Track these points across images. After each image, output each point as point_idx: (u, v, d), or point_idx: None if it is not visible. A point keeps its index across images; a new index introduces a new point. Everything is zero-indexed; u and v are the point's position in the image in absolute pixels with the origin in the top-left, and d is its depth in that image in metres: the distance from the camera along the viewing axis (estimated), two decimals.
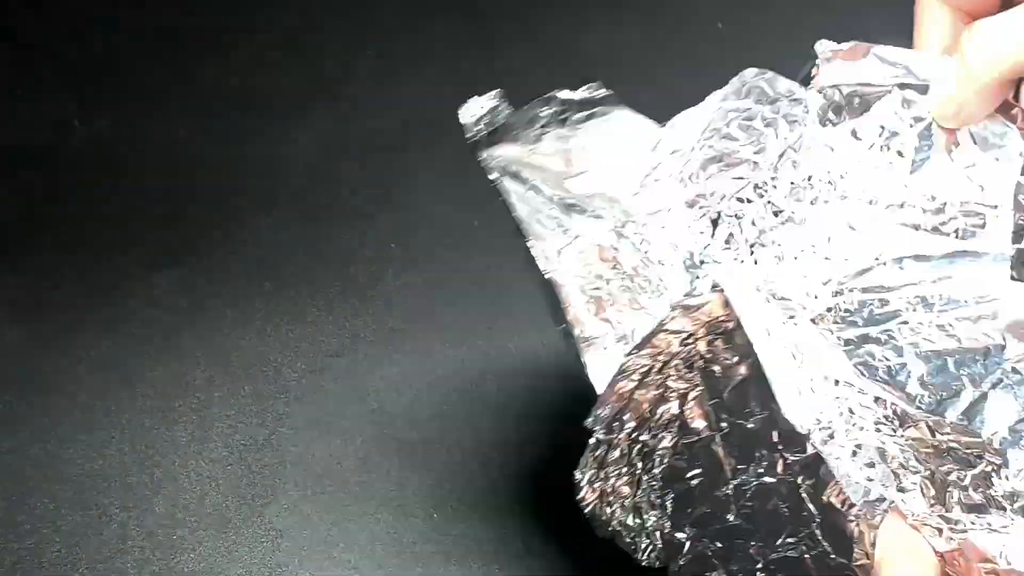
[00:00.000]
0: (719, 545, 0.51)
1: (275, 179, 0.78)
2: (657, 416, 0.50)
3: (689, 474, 0.51)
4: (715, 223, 0.49)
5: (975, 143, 0.45)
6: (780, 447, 0.50)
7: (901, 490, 0.45)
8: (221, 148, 0.80)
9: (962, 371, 0.44)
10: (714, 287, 0.47)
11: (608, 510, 0.51)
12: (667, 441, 0.51)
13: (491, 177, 0.54)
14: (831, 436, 0.45)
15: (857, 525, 0.48)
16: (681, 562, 0.52)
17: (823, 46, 0.50)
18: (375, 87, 0.84)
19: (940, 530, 0.45)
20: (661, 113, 0.79)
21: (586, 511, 0.51)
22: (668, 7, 0.88)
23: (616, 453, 0.50)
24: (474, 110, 0.55)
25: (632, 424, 0.49)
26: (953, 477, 0.44)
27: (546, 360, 0.67)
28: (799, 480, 0.49)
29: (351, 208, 0.76)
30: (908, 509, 0.45)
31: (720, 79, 0.81)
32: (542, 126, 0.55)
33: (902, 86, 0.47)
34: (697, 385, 0.50)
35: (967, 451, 0.44)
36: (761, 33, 0.85)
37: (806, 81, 0.51)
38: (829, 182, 0.47)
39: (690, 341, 0.48)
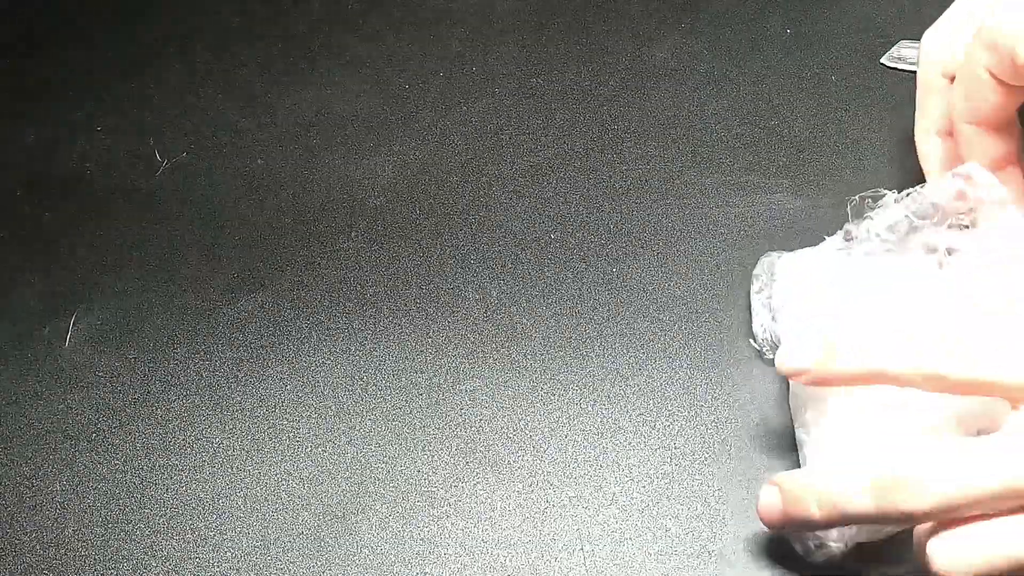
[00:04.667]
0: None
1: (353, 203, 0.78)
2: None
3: None
4: None
5: None
6: None
7: None
8: (299, 175, 0.81)
9: None
10: None
11: None
12: None
13: None
14: None
15: None
16: None
17: None
18: (446, 109, 0.84)
19: None
20: (732, 122, 0.80)
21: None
22: (736, 15, 0.87)
23: None
24: None
25: None
26: None
27: (622, 370, 0.67)
28: None
29: (429, 227, 0.76)
30: None
31: (790, 86, 0.81)
32: None
33: None
34: None
35: None
36: (830, 39, 0.85)
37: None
38: None
39: None
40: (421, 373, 0.69)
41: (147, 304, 0.75)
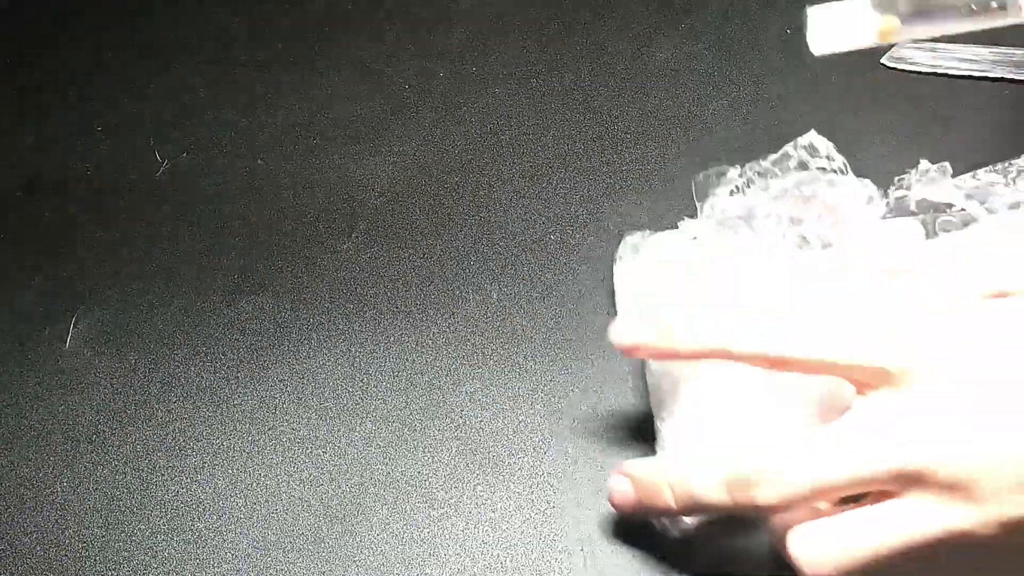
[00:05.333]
0: None
1: (353, 204, 0.78)
2: None
3: None
4: None
5: None
6: None
7: None
8: (299, 176, 0.81)
9: None
10: None
11: None
12: None
13: None
14: None
15: None
16: None
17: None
18: (446, 109, 0.84)
19: None
20: (730, 122, 0.80)
21: None
22: (736, 16, 0.87)
23: None
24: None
25: None
26: None
27: (622, 373, 0.67)
28: None
29: (429, 227, 0.76)
30: None
31: (790, 86, 0.81)
32: None
33: None
34: None
35: None
36: None
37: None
38: None
39: None
40: (421, 374, 0.69)
41: (147, 305, 0.75)
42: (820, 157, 0.63)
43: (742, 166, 0.65)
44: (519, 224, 0.76)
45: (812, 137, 0.63)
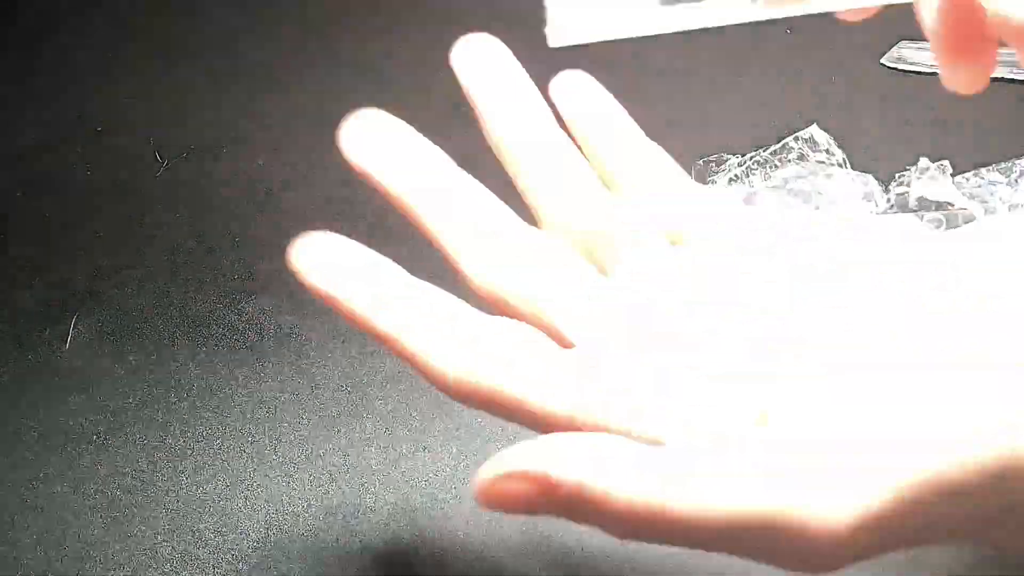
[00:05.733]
0: None
1: (354, 204, 0.78)
2: None
3: None
4: None
5: None
6: None
7: None
8: (299, 175, 0.81)
9: None
10: None
11: None
12: None
13: None
14: None
15: None
16: None
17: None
18: (448, 108, 0.84)
19: None
20: (731, 119, 0.80)
21: None
22: None
23: None
24: None
25: None
26: None
27: None
28: None
29: None
30: None
31: (791, 86, 0.81)
32: None
33: None
34: None
35: None
36: (830, 39, 0.85)
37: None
38: None
39: None
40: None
41: (147, 306, 0.75)
42: (820, 151, 0.64)
43: (742, 156, 0.65)
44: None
45: (813, 131, 0.64)
